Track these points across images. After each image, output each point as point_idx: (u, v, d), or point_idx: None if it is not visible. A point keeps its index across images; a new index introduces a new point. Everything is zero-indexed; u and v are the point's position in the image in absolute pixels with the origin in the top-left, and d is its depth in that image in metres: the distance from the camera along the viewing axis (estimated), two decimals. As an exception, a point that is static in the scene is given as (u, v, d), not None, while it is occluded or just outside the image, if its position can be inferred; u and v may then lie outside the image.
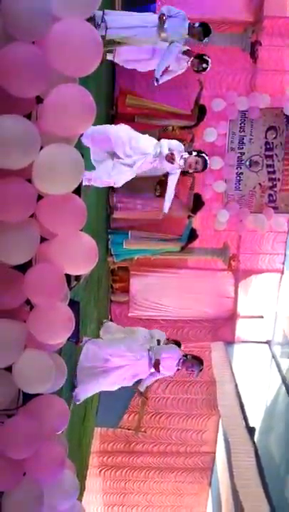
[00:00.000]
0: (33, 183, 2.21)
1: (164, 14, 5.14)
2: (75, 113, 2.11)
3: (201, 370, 5.18)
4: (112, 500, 9.84)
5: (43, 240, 2.42)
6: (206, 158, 5.09)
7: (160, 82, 5.63)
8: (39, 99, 2.24)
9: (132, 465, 9.62)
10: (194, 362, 5.04)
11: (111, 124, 7.04)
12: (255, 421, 7.61)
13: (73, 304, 2.71)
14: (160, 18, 5.14)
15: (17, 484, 2.54)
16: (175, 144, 4.99)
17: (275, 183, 7.99)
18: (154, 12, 7.23)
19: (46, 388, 2.48)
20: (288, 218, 8.10)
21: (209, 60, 5.73)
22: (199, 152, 5.13)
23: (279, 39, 7.26)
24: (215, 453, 9.59)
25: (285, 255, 8.40)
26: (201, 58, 5.74)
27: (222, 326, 8.71)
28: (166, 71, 5.51)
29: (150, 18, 5.25)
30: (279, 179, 7.98)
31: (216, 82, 7.49)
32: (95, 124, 4.96)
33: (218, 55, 7.21)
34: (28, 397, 2.61)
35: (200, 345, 8.61)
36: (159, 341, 6.16)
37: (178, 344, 6.55)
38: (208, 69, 5.84)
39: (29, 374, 2.40)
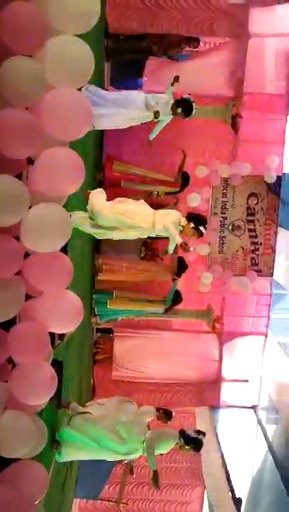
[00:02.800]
0: (21, 240, 2.25)
1: (158, 112, 5.48)
2: (65, 174, 2.19)
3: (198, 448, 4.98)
4: None
5: (28, 297, 2.43)
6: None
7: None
8: (30, 161, 2.34)
9: None
10: (190, 447, 4.85)
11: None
12: (242, 491, 7.30)
13: (56, 364, 2.67)
14: (155, 115, 5.50)
15: None
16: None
17: (257, 246, 8.18)
18: (141, 87, 7.71)
19: (25, 452, 2.38)
20: (271, 281, 8.22)
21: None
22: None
23: (258, 113, 7.73)
24: (200, 527, 9.07)
25: (268, 318, 8.44)
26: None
27: (207, 390, 8.53)
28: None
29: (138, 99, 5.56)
30: (261, 243, 8.17)
31: (200, 151, 7.83)
32: (81, 188, 5.13)
33: (202, 127, 7.61)
34: (5, 462, 2.50)
35: (184, 410, 8.39)
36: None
37: (168, 414, 6.39)
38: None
39: (9, 437, 2.32)
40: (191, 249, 5.15)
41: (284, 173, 7.92)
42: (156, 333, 8.31)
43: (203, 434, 4.97)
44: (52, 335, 2.67)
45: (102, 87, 7.09)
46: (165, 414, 5.49)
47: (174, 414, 5.74)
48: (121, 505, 8.37)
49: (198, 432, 4.96)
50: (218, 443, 7.63)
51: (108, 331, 8.24)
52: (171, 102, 5.68)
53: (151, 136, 5.95)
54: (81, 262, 5.70)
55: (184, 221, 4.89)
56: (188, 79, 7.55)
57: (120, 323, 7.91)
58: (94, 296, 7.01)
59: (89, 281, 7.08)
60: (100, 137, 7.48)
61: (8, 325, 2.35)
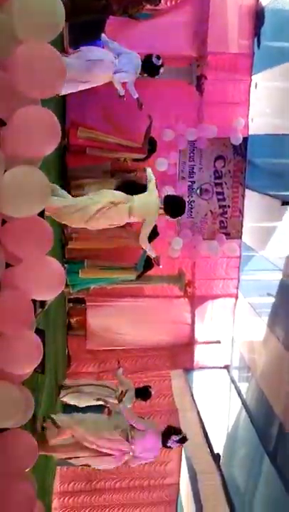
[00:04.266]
0: (-2, 206, 2.15)
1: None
2: (40, 134, 2.09)
3: (183, 441, 4.99)
4: None
5: (7, 265, 2.35)
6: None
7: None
8: (1, 122, 2.21)
9: (94, 504, 9.23)
10: (175, 440, 4.87)
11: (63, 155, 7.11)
12: (219, 447, 7.56)
13: (39, 333, 2.62)
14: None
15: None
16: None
17: (225, 209, 8.22)
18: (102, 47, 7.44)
19: (12, 422, 2.35)
20: (240, 243, 8.31)
21: None
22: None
23: (223, 73, 7.60)
24: (179, 484, 9.39)
25: (238, 280, 8.57)
26: None
27: (180, 353, 8.67)
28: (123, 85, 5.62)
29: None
30: (229, 206, 8.21)
31: (165, 113, 7.68)
32: (47, 158, 4.89)
33: (166, 88, 7.45)
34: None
35: (159, 373, 8.54)
36: (122, 392, 6.04)
37: (146, 391, 6.48)
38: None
39: (-4, 407, 2.28)
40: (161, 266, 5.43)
41: (249, 135, 7.89)
42: (128, 300, 8.32)
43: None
44: (33, 303, 2.61)
45: (63, 49, 6.82)
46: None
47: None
48: (101, 470, 8.52)
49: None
50: (194, 403, 7.83)
51: (80, 301, 8.19)
52: (139, 64, 5.52)
53: (135, 95, 5.77)
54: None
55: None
56: (150, 39, 7.37)
57: (92, 293, 7.87)
58: (65, 266, 6.92)
59: (60, 251, 6.97)
60: (62, 103, 7.23)
61: (-11, 295, 2.27)
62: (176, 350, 8.74)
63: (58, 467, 8.38)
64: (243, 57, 7.63)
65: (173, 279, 8.13)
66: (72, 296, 7.85)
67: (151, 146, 7.33)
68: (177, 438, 4.79)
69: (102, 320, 8.24)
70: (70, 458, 4.73)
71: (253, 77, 7.69)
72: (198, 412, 7.53)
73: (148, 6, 7.36)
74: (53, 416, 4.65)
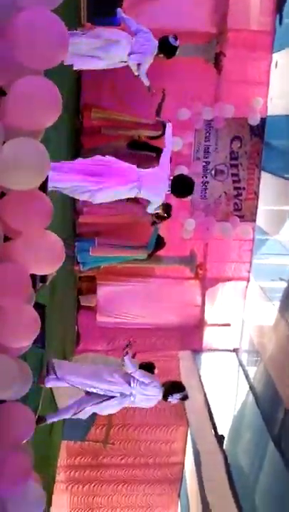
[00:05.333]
0: (-4, 178, 2.12)
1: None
2: (41, 104, 2.04)
3: (184, 397, 4.97)
4: (80, 517, 9.59)
5: (6, 239, 2.33)
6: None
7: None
8: (2, 92, 2.17)
9: (99, 479, 9.42)
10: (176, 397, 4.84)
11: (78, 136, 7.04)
12: (224, 429, 7.59)
13: (39, 307, 2.61)
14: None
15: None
16: None
17: (240, 191, 8.09)
18: (118, 25, 7.30)
19: (9, 395, 2.36)
20: (253, 226, 8.20)
21: None
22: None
23: (243, 51, 7.39)
24: (184, 463, 9.50)
25: (250, 263, 8.49)
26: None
27: (189, 335, 8.67)
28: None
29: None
30: (244, 188, 8.08)
31: (181, 92, 7.52)
32: (60, 138, 4.78)
33: (183, 66, 7.27)
34: (-9, 405, 2.49)
35: (168, 354, 8.56)
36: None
37: (151, 367, 6.49)
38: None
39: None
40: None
41: (268, 115, 7.70)
42: (139, 280, 8.32)
43: None
44: (33, 278, 2.60)
45: (79, 24, 6.71)
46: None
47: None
48: (108, 446, 8.67)
49: None
50: (201, 384, 7.86)
51: (91, 279, 8.21)
52: (156, 45, 5.40)
53: (146, 83, 5.67)
54: (62, 207, 5.57)
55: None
56: (168, 14, 7.20)
57: (103, 271, 7.87)
58: (76, 243, 6.92)
59: (71, 228, 6.97)
60: (76, 84, 7.15)
61: (-13, 267, 2.26)
62: (185, 332, 8.74)
63: (65, 441, 8.55)
64: (264, 34, 7.42)
65: (184, 261, 8.08)
66: (82, 275, 7.87)
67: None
68: (179, 396, 4.78)
69: (112, 298, 8.26)
70: (76, 413, 4.78)
71: (274, 55, 7.48)
72: (204, 394, 7.56)
73: (167, -20, 7.20)
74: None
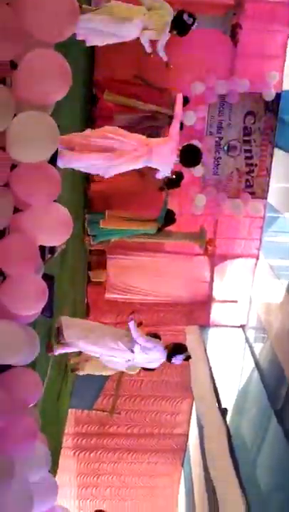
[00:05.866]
0: (8, 150, 2.17)
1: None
2: (51, 78, 2.07)
3: (187, 358, 5.09)
4: (85, 482, 9.92)
5: (16, 210, 2.39)
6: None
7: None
8: (13, 66, 2.20)
9: (105, 447, 9.70)
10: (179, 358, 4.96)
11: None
12: (229, 403, 7.74)
13: (47, 278, 2.69)
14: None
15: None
16: None
17: (252, 168, 8.03)
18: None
19: (16, 359, 2.46)
20: (265, 204, 8.17)
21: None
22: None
23: (260, 23, 7.23)
24: (188, 435, 9.73)
25: (260, 241, 8.49)
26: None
27: (197, 310, 8.77)
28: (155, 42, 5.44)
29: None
30: (256, 164, 8.01)
31: (196, 64, 7.42)
32: (73, 111, 4.74)
33: (199, 38, 7.11)
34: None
35: (175, 328, 8.67)
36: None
37: (156, 337, 6.61)
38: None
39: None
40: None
41: (283, 90, 7.58)
42: (149, 254, 8.37)
43: None
44: (42, 249, 2.67)
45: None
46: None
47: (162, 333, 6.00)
48: (114, 415, 8.88)
49: None
50: (207, 358, 7.98)
51: (101, 253, 8.29)
52: (170, 20, 5.30)
53: (164, 58, 5.60)
54: (72, 180, 5.59)
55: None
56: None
57: (113, 245, 7.93)
58: (86, 216, 6.97)
59: (82, 201, 7.00)
60: (90, 63, 7.07)
61: (-3, 238, 2.33)
62: (193, 307, 8.84)
63: (73, 410, 8.78)
64: (282, 6, 7.23)
65: (194, 237, 8.10)
66: (93, 248, 7.94)
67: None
68: (182, 357, 4.91)
69: (121, 272, 8.35)
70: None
71: (292, 28, 7.31)
72: (210, 368, 7.69)
73: None
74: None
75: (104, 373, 6.50)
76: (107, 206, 7.21)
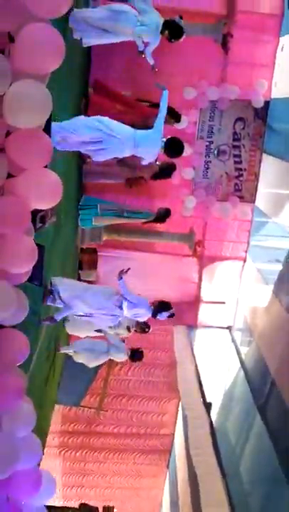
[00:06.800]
0: (4, 116, 2.35)
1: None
2: (46, 52, 2.27)
3: (171, 315, 5.26)
4: (71, 482, 9.94)
5: (9, 176, 2.56)
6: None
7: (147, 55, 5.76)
8: (11, 39, 2.39)
9: (92, 446, 9.75)
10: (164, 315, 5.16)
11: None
12: (215, 400, 7.87)
13: (38, 246, 2.85)
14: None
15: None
16: None
17: (241, 172, 8.29)
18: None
19: (6, 316, 2.60)
20: (252, 207, 8.40)
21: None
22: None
23: (250, 33, 7.56)
24: (174, 435, 9.81)
25: (248, 244, 8.70)
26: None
27: (185, 311, 8.91)
28: (146, 44, 5.66)
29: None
30: (245, 169, 8.28)
31: (188, 70, 7.71)
32: (68, 99, 4.99)
33: (191, 45, 7.39)
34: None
35: (163, 328, 8.81)
36: (128, 328, 6.46)
37: (147, 326, 6.81)
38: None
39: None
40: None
41: (272, 98, 7.88)
42: (139, 254, 8.55)
43: None
44: (34, 218, 2.84)
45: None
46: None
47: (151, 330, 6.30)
48: (101, 414, 8.97)
49: None
50: (193, 356, 8.13)
51: (92, 251, 8.45)
52: (161, 22, 5.54)
53: (151, 61, 5.84)
54: (65, 172, 5.77)
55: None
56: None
57: (105, 244, 8.11)
58: (80, 212, 7.15)
59: (74, 200, 7.16)
60: (87, 63, 7.33)
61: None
62: (181, 308, 8.93)
63: (60, 408, 8.85)
64: (272, 17, 7.56)
65: (183, 238, 8.31)
66: (84, 246, 8.11)
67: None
68: (167, 314, 5.13)
69: (112, 270, 8.47)
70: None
71: (281, 38, 7.63)
72: (196, 365, 7.83)
73: None
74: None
75: (95, 364, 6.64)
76: (102, 189, 7.38)
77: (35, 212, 2.93)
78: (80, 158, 6.90)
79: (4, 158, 2.46)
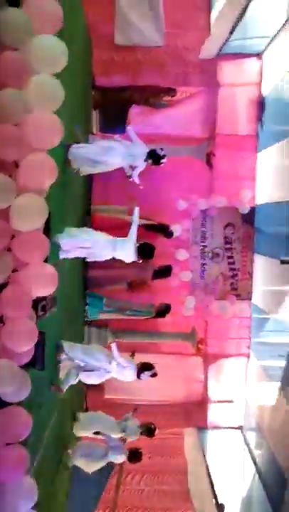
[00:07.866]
0: (10, 221, 2.95)
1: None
2: (41, 173, 2.95)
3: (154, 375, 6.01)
4: None
5: (14, 270, 3.10)
6: None
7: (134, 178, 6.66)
8: (17, 165, 3.09)
9: None
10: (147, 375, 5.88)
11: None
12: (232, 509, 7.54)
13: (38, 332, 3.27)
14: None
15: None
16: None
17: (235, 272, 8.87)
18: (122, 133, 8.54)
19: (8, 390, 2.95)
20: (250, 304, 8.82)
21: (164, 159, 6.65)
22: None
23: (230, 151, 8.64)
24: None
25: (249, 339, 8.96)
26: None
27: (194, 411, 8.91)
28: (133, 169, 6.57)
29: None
30: (239, 269, 8.86)
31: (179, 186, 8.64)
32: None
33: (180, 164, 8.49)
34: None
35: (173, 431, 8.75)
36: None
37: (151, 430, 6.94)
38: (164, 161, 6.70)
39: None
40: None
41: (257, 205, 8.70)
42: (144, 356, 8.79)
43: None
44: (36, 306, 3.32)
45: (91, 132, 8.04)
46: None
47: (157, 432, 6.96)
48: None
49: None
50: (204, 458, 7.97)
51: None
52: (146, 152, 6.52)
53: (137, 181, 6.67)
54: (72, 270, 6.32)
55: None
56: (168, 123, 8.57)
57: (109, 346, 8.42)
58: (88, 299, 7.72)
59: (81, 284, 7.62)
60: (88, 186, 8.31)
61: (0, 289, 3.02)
62: (189, 408, 9.00)
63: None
64: (249, 137, 8.68)
65: (186, 336, 8.65)
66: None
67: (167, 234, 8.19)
68: (149, 373, 5.97)
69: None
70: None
71: (258, 154, 8.65)
72: (207, 466, 7.67)
73: (166, 97, 8.68)
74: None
75: (94, 469, 6.64)
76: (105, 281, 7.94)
77: (37, 301, 3.41)
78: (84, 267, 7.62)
79: (10, 256, 3.01)
